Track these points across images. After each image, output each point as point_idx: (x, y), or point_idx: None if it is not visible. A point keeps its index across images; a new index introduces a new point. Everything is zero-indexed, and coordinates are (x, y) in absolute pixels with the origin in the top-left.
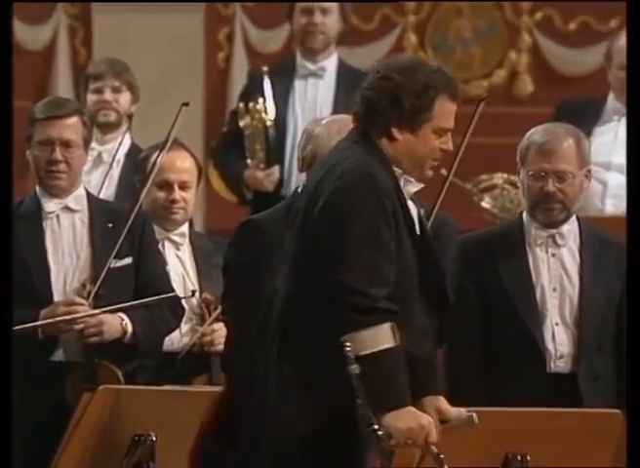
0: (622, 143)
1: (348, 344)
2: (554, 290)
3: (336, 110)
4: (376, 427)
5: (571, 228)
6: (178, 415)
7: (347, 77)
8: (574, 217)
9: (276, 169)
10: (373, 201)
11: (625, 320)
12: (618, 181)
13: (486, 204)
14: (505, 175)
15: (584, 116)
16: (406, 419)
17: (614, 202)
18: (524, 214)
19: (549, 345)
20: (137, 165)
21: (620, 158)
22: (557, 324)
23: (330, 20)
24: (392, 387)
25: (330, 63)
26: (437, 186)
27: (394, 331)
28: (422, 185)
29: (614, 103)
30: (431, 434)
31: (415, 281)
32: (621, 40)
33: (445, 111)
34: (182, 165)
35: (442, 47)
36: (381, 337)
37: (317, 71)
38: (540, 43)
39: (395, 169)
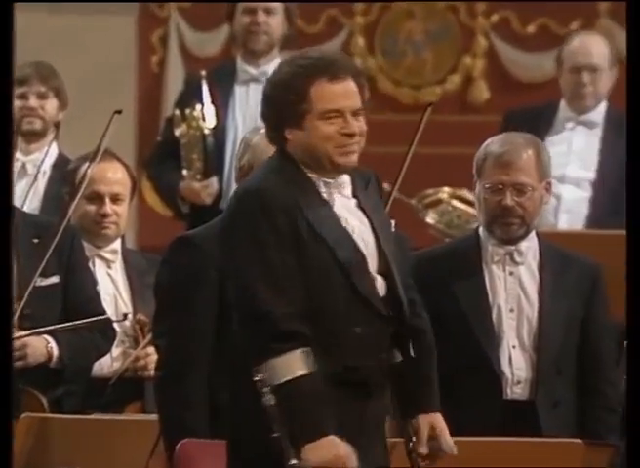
0: (578, 154)
1: (260, 374)
2: (511, 310)
3: None
4: (293, 462)
5: (530, 245)
6: (107, 447)
7: None
8: (533, 233)
9: (214, 180)
10: (261, 221)
11: (584, 340)
12: (572, 195)
13: (431, 219)
14: (452, 190)
15: (534, 126)
16: (321, 451)
17: (568, 217)
18: (480, 229)
19: (506, 370)
20: (64, 176)
21: (576, 170)
22: (514, 347)
23: (274, 21)
24: (307, 417)
25: (273, 68)
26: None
27: (307, 357)
28: (346, 175)
29: (565, 111)
30: (349, 464)
31: (345, 290)
32: (574, 42)
33: (324, 94)
34: (114, 176)
35: (392, 51)
36: (293, 365)
37: (259, 76)
38: (497, 47)
39: (311, 175)
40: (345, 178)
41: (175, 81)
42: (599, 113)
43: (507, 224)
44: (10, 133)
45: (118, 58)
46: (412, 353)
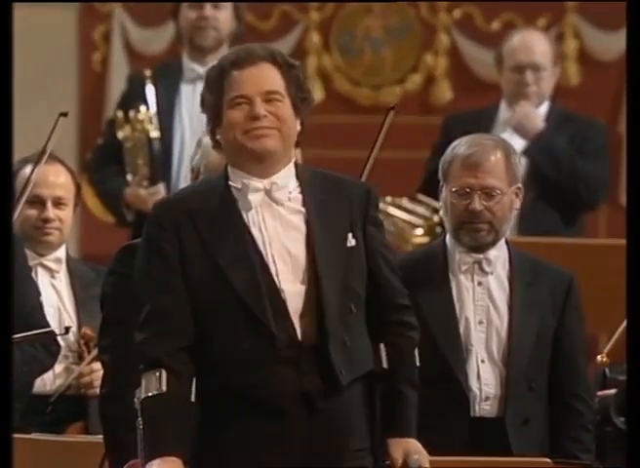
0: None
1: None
2: (480, 322)
3: None
4: None
5: (499, 253)
6: None
7: None
8: (502, 241)
9: (161, 186)
10: (150, 238)
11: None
12: None
13: None
14: (390, 198)
15: (474, 129)
16: None
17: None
18: (447, 237)
19: (474, 385)
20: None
21: None
22: (483, 361)
23: (222, 15)
24: (149, 436)
25: None
26: None
27: (161, 378)
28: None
29: (506, 112)
30: None
31: (229, 303)
32: (514, 39)
33: (231, 83)
34: (56, 180)
35: (349, 48)
36: (148, 385)
37: None
38: (460, 44)
39: (232, 183)
40: (283, 182)
41: (118, 80)
42: (540, 112)
43: (475, 230)
44: (10, 132)
45: (58, 56)
46: (341, 381)
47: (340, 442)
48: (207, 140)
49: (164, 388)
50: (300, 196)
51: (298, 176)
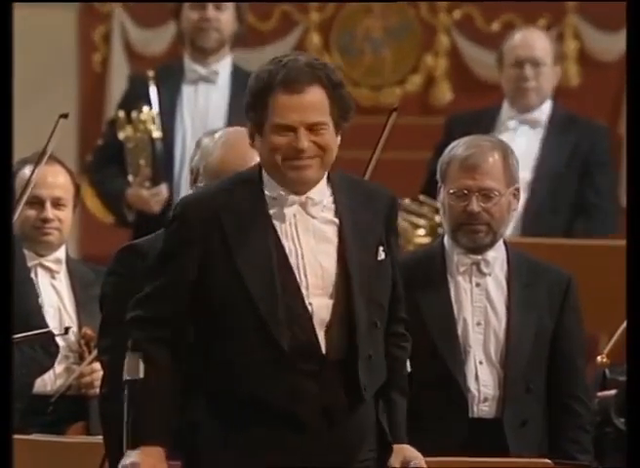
0: (518, 156)
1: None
2: (478, 324)
3: (230, 119)
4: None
5: (497, 255)
6: None
7: (243, 83)
8: (501, 242)
9: (164, 187)
10: (175, 231)
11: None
12: None
13: None
14: None
15: (476, 130)
16: (125, 457)
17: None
18: (445, 238)
19: (472, 387)
20: None
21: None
22: (481, 362)
23: (224, 17)
24: (132, 423)
25: (223, 67)
26: None
27: (139, 364)
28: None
29: (508, 111)
30: None
31: (248, 313)
32: (515, 37)
33: (277, 106)
34: (55, 180)
35: (349, 49)
36: (129, 367)
37: (209, 75)
38: (460, 45)
39: (267, 192)
40: (319, 197)
41: (119, 81)
42: (543, 112)
43: (473, 231)
44: (10, 132)
45: (58, 56)
46: (364, 396)
47: (353, 454)
48: (206, 141)
49: (141, 375)
50: (332, 205)
51: (329, 182)
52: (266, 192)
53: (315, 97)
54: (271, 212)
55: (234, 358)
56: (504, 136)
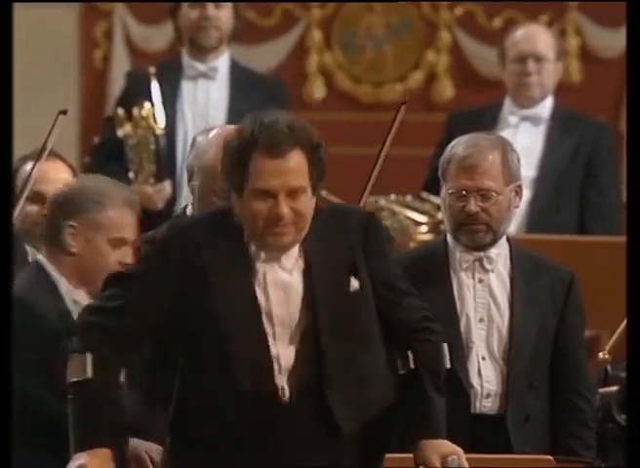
0: (521, 152)
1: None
2: (481, 320)
3: (230, 115)
4: None
5: (500, 251)
6: None
7: (242, 79)
8: (504, 239)
9: (168, 184)
10: (155, 251)
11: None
12: None
13: None
14: (395, 196)
15: (478, 127)
16: (72, 460)
17: (514, 220)
18: (448, 234)
19: (475, 382)
20: None
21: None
22: (484, 358)
23: (224, 14)
24: (77, 427)
25: (222, 63)
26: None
27: (86, 363)
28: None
29: (510, 107)
30: None
31: (218, 352)
32: (517, 33)
33: (258, 171)
34: (57, 176)
35: (351, 45)
36: (73, 369)
37: (208, 72)
38: (462, 41)
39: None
40: (293, 251)
41: (120, 77)
42: (545, 108)
43: (473, 231)
44: (10, 132)
45: (59, 53)
46: (344, 428)
47: None
48: (200, 140)
49: (89, 374)
50: (302, 255)
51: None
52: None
53: (296, 162)
54: (249, 260)
55: (198, 393)
56: (506, 133)
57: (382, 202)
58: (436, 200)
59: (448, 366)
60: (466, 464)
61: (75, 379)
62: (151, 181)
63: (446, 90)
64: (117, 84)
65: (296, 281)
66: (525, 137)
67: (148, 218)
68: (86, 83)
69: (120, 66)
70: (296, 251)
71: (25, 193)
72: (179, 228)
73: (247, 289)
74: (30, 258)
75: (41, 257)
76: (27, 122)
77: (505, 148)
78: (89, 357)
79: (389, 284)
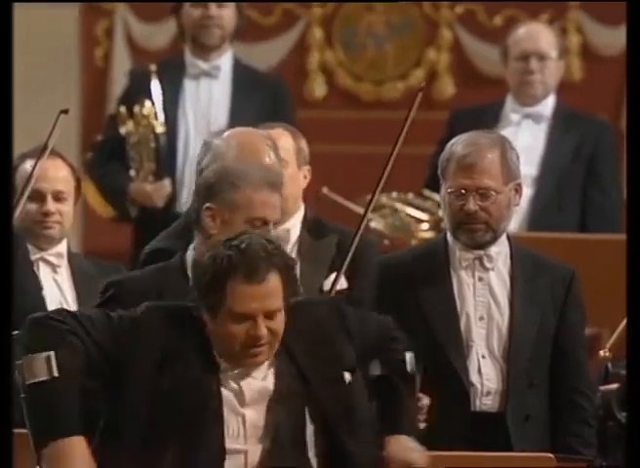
0: (522, 150)
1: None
2: (481, 318)
3: (232, 115)
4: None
5: (500, 250)
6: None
7: (244, 78)
8: (504, 237)
9: (167, 182)
10: (114, 302)
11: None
12: None
13: (377, 224)
14: (396, 194)
15: (480, 123)
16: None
17: (514, 218)
18: (448, 233)
19: (475, 380)
20: None
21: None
22: (484, 356)
23: (226, 13)
24: (45, 421)
25: (224, 62)
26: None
27: (51, 362)
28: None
29: (512, 105)
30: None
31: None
32: (520, 31)
33: (236, 295)
34: (56, 174)
35: (352, 44)
36: (35, 369)
37: (210, 71)
38: (462, 40)
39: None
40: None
41: (121, 76)
42: (547, 106)
43: (472, 231)
44: (10, 132)
45: (60, 51)
46: None
47: None
48: (218, 143)
49: (55, 373)
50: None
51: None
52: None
53: (273, 285)
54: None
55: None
56: (508, 131)
57: (384, 199)
58: (437, 197)
59: (411, 370)
60: (424, 463)
61: (37, 380)
62: (151, 179)
63: (447, 87)
64: (118, 82)
65: (270, 385)
66: (527, 135)
67: (148, 216)
68: (87, 81)
69: (121, 65)
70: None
71: (27, 193)
72: (153, 317)
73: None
74: (32, 257)
75: None
76: (28, 120)
77: (504, 147)
78: (52, 356)
79: (375, 344)
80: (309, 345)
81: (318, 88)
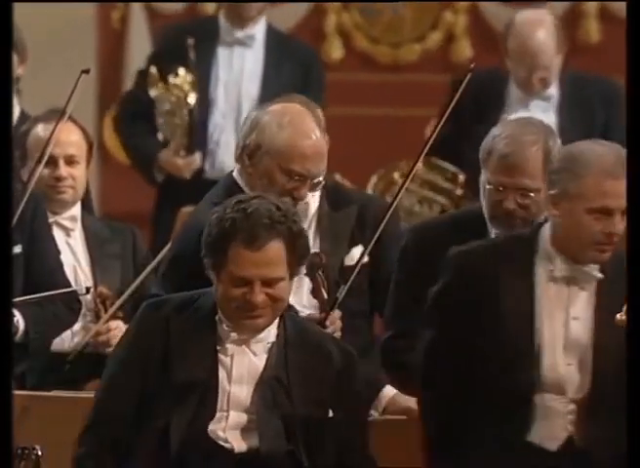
0: None
1: None
2: None
3: (264, 85)
4: None
5: None
6: (66, 425)
7: (277, 47)
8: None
9: (198, 156)
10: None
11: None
12: None
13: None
14: (400, 173)
15: (485, 90)
16: None
17: None
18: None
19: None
20: (16, 138)
21: None
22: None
23: None
24: None
25: (259, 31)
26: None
27: None
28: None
29: (517, 92)
30: None
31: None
32: (517, 27)
33: (236, 260)
34: (68, 138)
35: (368, 7)
36: None
37: (245, 40)
38: (479, 2)
39: (218, 319)
40: (264, 335)
41: (137, 38)
42: (553, 95)
43: (509, 225)
44: (10, 132)
45: (77, 13)
46: None
47: None
48: (267, 120)
49: None
50: (279, 354)
51: (281, 325)
52: (218, 320)
53: (274, 253)
54: (218, 339)
55: None
56: (518, 112)
57: (395, 176)
58: (449, 167)
59: None
60: None
61: None
62: (182, 154)
63: (464, 50)
64: (135, 44)
65: (262, 364)
66: (538, 113)
67: (172, 184)
68: (103, 44)
69: (137, 27)
70: (270, 337)
71: (45, 158)
72: (151, 309)
73: (208, 364)
74: (50, 220)
75: None
76: (44, 82)
77: (548, 144)
78: None
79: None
80: (306, 378)
81: (335, 51)
